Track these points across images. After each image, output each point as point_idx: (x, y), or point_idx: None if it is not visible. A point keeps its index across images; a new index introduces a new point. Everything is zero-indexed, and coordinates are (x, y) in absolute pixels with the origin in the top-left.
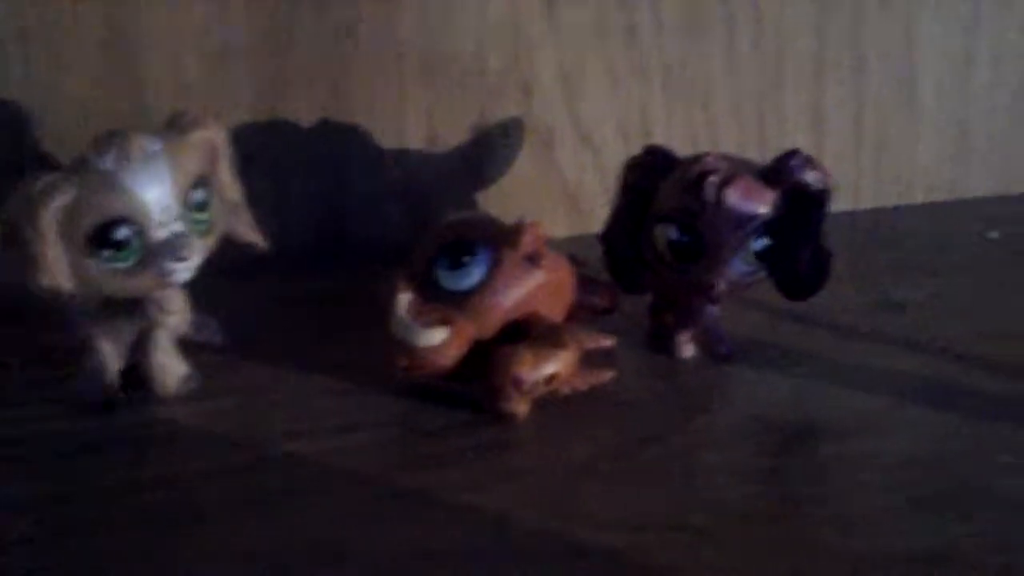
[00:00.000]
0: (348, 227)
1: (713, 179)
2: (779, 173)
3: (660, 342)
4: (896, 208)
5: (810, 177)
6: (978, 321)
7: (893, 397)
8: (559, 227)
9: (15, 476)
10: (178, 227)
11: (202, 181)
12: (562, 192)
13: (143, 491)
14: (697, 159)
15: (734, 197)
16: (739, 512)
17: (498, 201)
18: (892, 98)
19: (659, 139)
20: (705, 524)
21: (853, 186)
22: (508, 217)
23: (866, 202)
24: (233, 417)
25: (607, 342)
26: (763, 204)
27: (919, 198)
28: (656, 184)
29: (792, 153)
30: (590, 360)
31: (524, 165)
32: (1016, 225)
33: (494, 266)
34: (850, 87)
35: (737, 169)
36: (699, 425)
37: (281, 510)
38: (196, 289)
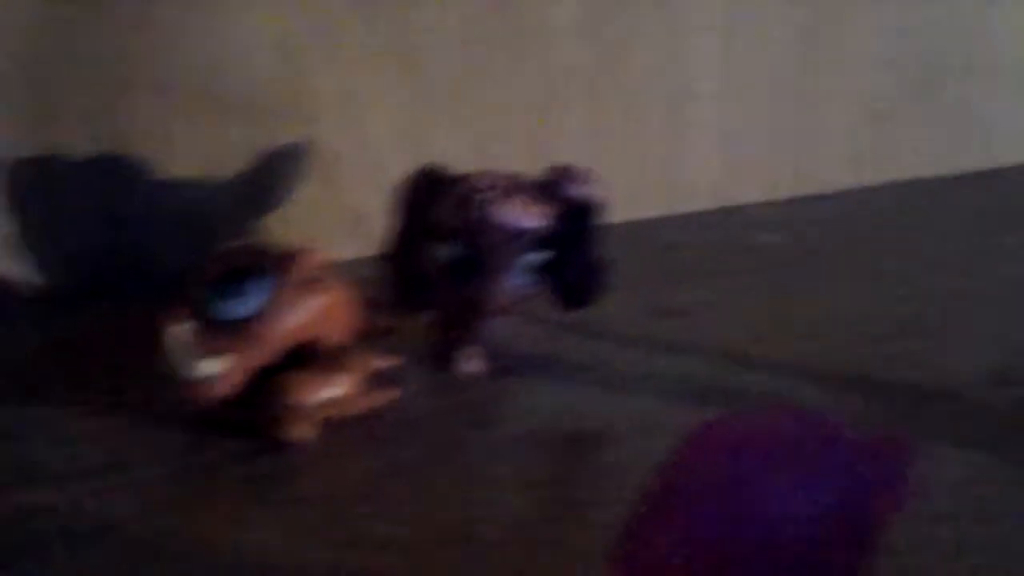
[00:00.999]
0: (126, 260)
1: (482, 196)
2: (552, 188)
3: (444, 359)
4: (672, 217)
5: (583, 190)
6: (752, 323)
7: (670, 400)
8: (344, 249)
9: None
10: None
11: None
12: (347, 214)
13: None
14: (468, 177)
15: (504, 213)
16: (523, 521)
17: (283, 227)
18: (664, 111)
19: (441, 158)
20: (489, 535)
21: (630, 197)
22: (293, 242)
23: (643, 212)
24: None
25: (392, 362)
26: (536, 218)
27: (694, 206)
28: (432, 203)
29: (564, 168)
30: (376, 380)
31: (308, 189)
32: (785, 229)
33: (272, 293)
34: (624, 102)
35: (509, 185)
36: (483, 438)
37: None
38: None
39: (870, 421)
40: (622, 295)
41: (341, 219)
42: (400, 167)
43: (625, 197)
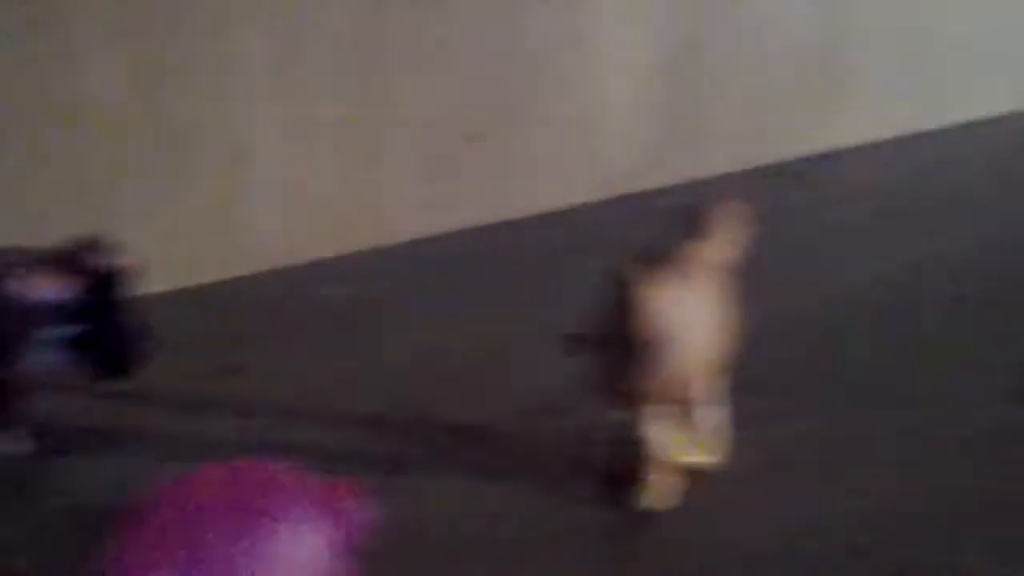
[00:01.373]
0: None
1: None
2: (76, 259)
3: None
4: (237, 278)
5: (108, 260)
6: (310, 377)
7: (220, 461)
8: None
9: None
10: None
11: None
12: None
13: None
14: None
15: (19, 288)
16: None
17: None
18: (221, 171)
19: None
20: None
21: (192, 260)
22: None
23: (206, 275)
24: None
25: None
26: (58, 292)
27: (260, 266)
28: None
29: (88, 238)
30: None
31: None
32: (353, 282)
33: None
34: (179, 164)
35: (26, 260)
36: (20, 520)
37: None
38: None
39: (403, 462)
40: (182, 359)
41: None
42: None
43: (187, 261)
